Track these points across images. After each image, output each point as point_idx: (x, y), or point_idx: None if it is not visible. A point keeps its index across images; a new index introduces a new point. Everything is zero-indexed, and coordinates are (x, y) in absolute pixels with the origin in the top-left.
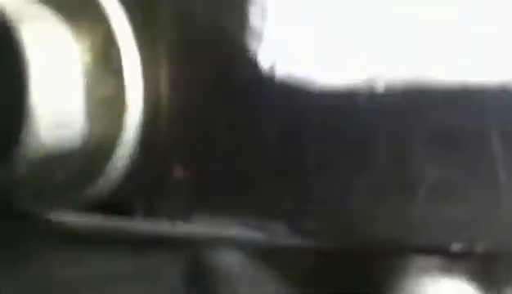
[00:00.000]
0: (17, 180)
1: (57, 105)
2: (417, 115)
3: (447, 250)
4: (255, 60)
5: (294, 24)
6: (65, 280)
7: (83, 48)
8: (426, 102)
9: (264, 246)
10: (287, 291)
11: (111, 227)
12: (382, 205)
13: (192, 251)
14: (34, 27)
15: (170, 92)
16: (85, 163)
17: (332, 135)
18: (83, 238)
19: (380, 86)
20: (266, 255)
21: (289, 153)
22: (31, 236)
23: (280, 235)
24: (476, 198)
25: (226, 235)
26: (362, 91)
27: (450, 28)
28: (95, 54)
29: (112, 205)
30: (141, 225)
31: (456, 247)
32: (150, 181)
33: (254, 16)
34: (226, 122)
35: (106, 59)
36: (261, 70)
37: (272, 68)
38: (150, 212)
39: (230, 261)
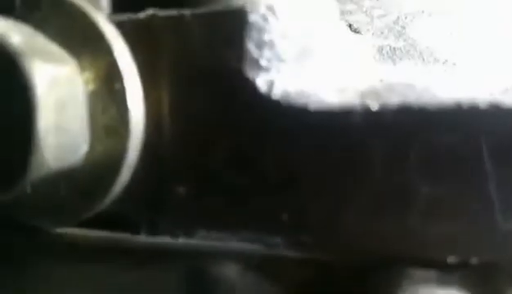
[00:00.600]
0: (23, 198)
1: (63, 131)
2: (410, 134)
3: (444, 262)
4: (252, 85)
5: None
6: (66, 292)
7: (88, 78)
8: (419, 121)
9: (262, 258)
10: None
11: (114, 242)
12: (378, 220)
13: (193, 264)
14: (41, 58)
15: (171, 117)
16: (88, 183)
17: (328, 153)
18: (87, 253)
19: (374, 105)
20: (264, 267)
21: (287, 169)
22: (35, 251)
23: (278, 248)
24: (470, 213)
25: (226, 248)
26: (357, 109)
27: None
28: (99, 84)
29: (116, 221)
30: (143, 240)
31: (452, 259)
32: (152, 198)
33: (251, 44)
34: (225, 143)
35: (110, 88)
36: (258, 94)
37: (269, 91)
38: (153, 227)
39: (229, 273)
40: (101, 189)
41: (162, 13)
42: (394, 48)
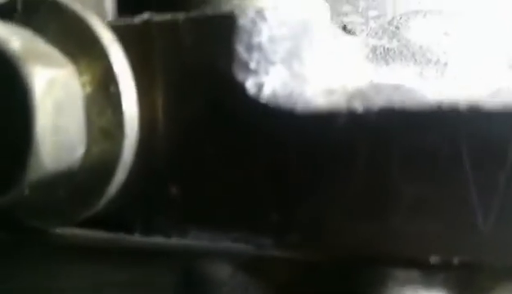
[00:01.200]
0: (21, 199)
1: (60, 133)
2: (394, 135)
3: (426, 262)
4: (241, 88)
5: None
6: (65, 290)
7: (85, 81)
8: (401, 122)
9: (252, 257)
10: None
11: (110, 241)
12: (362, 220)
13: (185, 263)
14: (39, 62)
15: (164, 119)
16: (85, 184)
17: (315, 154)
18: (83, 252)
19: (359, 107)
20: (253, 266)
21: (275, 170)
22: (34, 250)
23: (266, 248)
24: (451, 214)
25: (217, 248)
26: (342, 111)
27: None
28: (95, 87)
29: (112, 221)
30: (137, 239)
31: (434, 259)
32: (146, 199)
33: (240, 48)
34: (216, 145)
35: (106, 91)
36: (247, 96)
37: (258, 94)
38: (147, 227)
39: (220, 272)
40: (98, 189)
41: (156, 17)
42: (388, 49)
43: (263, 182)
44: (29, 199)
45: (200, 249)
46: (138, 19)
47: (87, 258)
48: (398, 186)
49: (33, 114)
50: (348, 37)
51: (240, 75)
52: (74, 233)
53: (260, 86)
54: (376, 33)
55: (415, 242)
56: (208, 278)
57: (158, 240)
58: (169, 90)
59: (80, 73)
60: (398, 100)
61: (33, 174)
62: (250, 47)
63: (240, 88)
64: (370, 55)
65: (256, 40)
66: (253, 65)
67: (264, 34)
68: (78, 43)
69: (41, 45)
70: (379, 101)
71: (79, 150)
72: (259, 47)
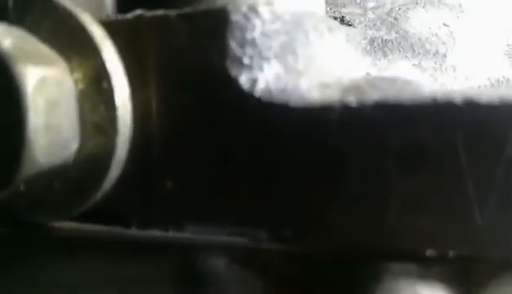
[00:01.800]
0: (16, 194)
1: (53, 130)
2: (388, 129)
3: (422, 256)
4: (235, 83)
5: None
6: (63, 284)
7: (77, 78)
8: (395, 116)
9: (248, 250)
10: (269, 291)
11: (107, 235)
12: (357, 213)
13: (182, 256)
14: (31, 60)
15: (158, 114)
16: (80, 179)
17: (309, 148)
18: (80, 246)
19: (353, 101)
20: (249, 260)
21: (270, 164)
22: (32, 244)
23: (262, 241)
24: (447, 207)
25: (213, 242)
26: (336, 105)
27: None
28: (88, 83)
29: (109, 215)
30: (135, 233)
31: (430, 252)
32: (142, 193)
33: (233, 43)
34: (210, 139)
35: (98, 88)
36: (241, 91)
37: (252, 89)
38: (143, 221)
39: (217, 265)
40: (92, 184)
41: (148, 14)
42: (386, 40)
43: (257, 176)
44: (24, 194)
45: (197, 242)
46: (130, 15)
47: (84, 252)
48: (393, 179)
49: (26, 112)
50: (346, 29)
51: (233, 70)
52: (70, 227)
53: (254, 81)
54: (374, 24)
55: (411, 235)
56: (205, 271)
57: (154, 234)
58: (162, 85)
59: (72, 71)
60: (393, 94)
61: (28, 170)
62: (244, 43)
63: (234, 83)
64: (368, 47)
65: (249, 35)
66: (246, 61)
67: (257, 29)
68: (70, 41)
69: (33, 43)
70: (373, 95)
71: (73, 146)
72: (253, 43)
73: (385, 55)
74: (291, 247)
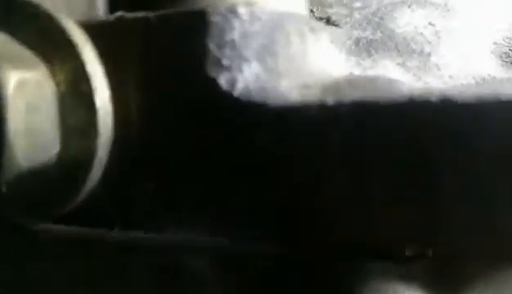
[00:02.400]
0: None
1: (33, 132)
2: (366, 128)
3: (401, 254)
4: (214, 83)
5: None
6: (47, 283)
7: (58, 81)
8: (374, 115)
9: (229, 251)
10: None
11: (89, 237)
12: (339, 212)
13: (163, 257)
14: (11, 63)
15: (138, 115)
16: (61, 181)
17: (288, 148)
18: (63, 247)
19: (330, 100)
20: (230, 259)
21: (250, 165)
22: (16, 247)
23: (243, 241)
24: (426, 205)
25: (194, 242)
26: (314, 105)
27: None
28: (68, 86)
29: (92, 216)
30: (116, 235)
31: (410, 251)
32: (123, 194)
33: (212, 44)
34: (190, 140)
35: (78, 90)
36: (220, 92)
37: (231, 89)
38: (125, 223)
39: (198, 265)
40: (73, 187)
41: (129, 15)
42: (371, 40)
43: (238, 176)
44: (6, 197)
45: (177, 243)
46: (112, 17)
47: (65, 253)
48: (373, 177)
49: (5, 116)
50: (331, 30)
51: (212, 71)
52: (51, 228)
53: (233, 82)
54: (360, 25)
55: (391, 233)
56: (186, 272)
57: (136, 235)
58: (142, 87)
59: (53, 74)
60: (371, 93)
61: (9, 172)
62: (223, 44)
63: (213, 84)
64: (353, 47)
65: (228, 37)
66: (225, 62)
67: (237, 31)
68: (50, 44)
69: (13, 46)
70: (352, 94)
71: (54, 149)
72: (232, 44)
73: (370, 54)
74: (274, 248)
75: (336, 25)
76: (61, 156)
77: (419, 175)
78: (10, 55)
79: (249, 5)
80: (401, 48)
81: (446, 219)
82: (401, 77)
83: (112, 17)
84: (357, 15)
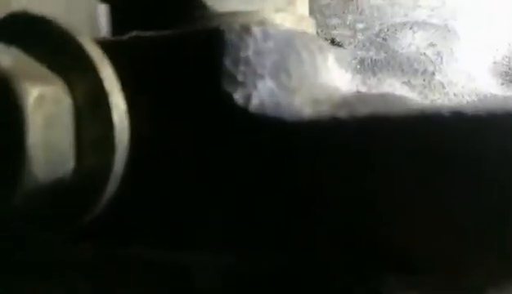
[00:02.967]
0: (15, 210)
1: (51, 148)
2: (379, 142)
3: (414, 267)
4: (230, 100)
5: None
6: None
7: (75, 96)
8: (384, 130)
9: (241, 269)
10: None
11: (100, 253)
12: (353, 225)
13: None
14: (30, 79)
15: (153, 132)
16: (76, 197)
17: (302, 163)
18: (71, 263)
19: (344, 115)
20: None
21: (266, 181)
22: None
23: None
24: (438, 217)
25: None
26: (327, 120)
27: None
28: (85, 101)
29: (105, 233)
30: (127, 252)
31: (421, 264)
32: (138, 211)
33: (228, 61)
34: (206, 157)
35: (96, 106)
36: (235, 108)
37: (246, 105)
38: (139, 239)
39: (209, 283)
40: (89, 201)
41: (144, 34)
42: (375, 60)
43: (254, 192)
44: (22, 211)
45: (189, 261)
46: (126, 36)
47: (74, 270)
48: (384, 192)
49: (25, 130)
50: (336, 50)
51: (228, 87)
52: (66, 245)
53: (248, 98)
54: (364, 45)
55: (403, 246)
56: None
57: (155, 252)
58: (158, 104)
59: (70, 89)
60: (383, 108)
61: (27, 187)
62: (237, 61)
63: (228, 100)
64: (358, 67)
65: (243, 54)
66: (240, 78)
67: (251, 48)
68: (67, 60)
69: (31, 62)
70: (364, 110)
71: (70, 164)
72: (246, 61)
73: (375, 73)
74: (283, 262)
75: (340, 46)
76: (77, 171)
77: (431, 187)
78: (27, 70)
79: (261, 24)
80: (406, 67)
81: (459, 230)
82: (407, 95)
83: (127, 36)
84: (360, 37)
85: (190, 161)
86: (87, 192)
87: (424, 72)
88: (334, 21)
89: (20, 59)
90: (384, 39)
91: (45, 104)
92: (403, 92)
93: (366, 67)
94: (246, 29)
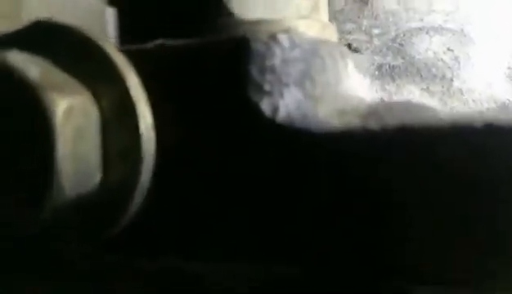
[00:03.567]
0: (42, 223)
1: (80, 159)
2: (411, 153)
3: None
4: (257, 109)
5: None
6: None
7: (102, 107)
8: (417, 141)
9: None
10: None
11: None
12: (379, 236)
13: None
14: (58, 90)
15: (179, 142)
16: (103, 208)
17: (332, 174)
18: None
19: (375, 126)
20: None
21: (294, 192)
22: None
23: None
24: (470, 230)
25: (227, 270)
26: (358, 131)
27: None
28: (112, 112)
29: (131, 244)
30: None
31: (449, 275)
32: (165, 221)
33: (254, 70)
34: (233, 167)
35: (123, 116)
36: (262, 118)
37: (273, 115)
38: (166, 249)
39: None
40: (116, 212)
41: (169, 42)
42: (393, 66)
43: (281, 203)
44: (49, 223)
45: (213, 272)
46: (151, 44)
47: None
48: (417, 204)
49: (54, 142)
50: (353, 56)
51: (254, 97)
52: (93, 256)
53: (275, 108)
54: (381, 51)
55: (436, 259)
56: None
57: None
58: (184, 113)
59: (97, 99)
60: (413, 119)
61: (53, 200)
62: (264, 70)
63: (255, 110)
64: (377, 73)
65: (269, 62)
66: (267, 87)
67: (277, 57)
68: (93, 69)
69: (58, 72)
70: (392, 120)
71: (98, 175)
72: (273, 70)
73: (393, 80)
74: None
75: (357, 51)
76: (104, 182)
77: (465, 201)
78: (55, 81)
79: (287, 32)
80: (424, 73)
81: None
82: (428, 102)
83: (152, 44)
84: (376, 42)
85: (215, 170)
86: (114, 203)
87: (443, 78)
88: (349, 26)
89: (46, 69)
90: (401, 44)
91: (74, 115)
92: (424, 99)
93: (384, 73)
94: (273, 38)
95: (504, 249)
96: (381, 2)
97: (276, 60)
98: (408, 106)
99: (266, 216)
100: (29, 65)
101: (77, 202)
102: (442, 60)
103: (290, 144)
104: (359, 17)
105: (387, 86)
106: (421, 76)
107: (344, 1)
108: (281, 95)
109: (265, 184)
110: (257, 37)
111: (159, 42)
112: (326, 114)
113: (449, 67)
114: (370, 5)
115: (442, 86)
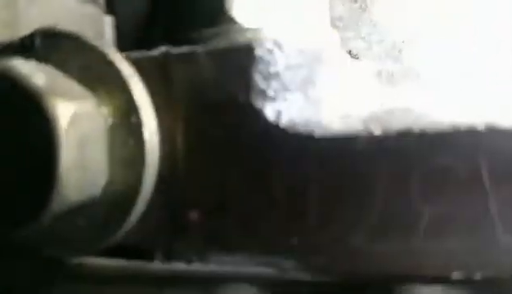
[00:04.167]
0: (42, 229)
1: (84, 166)
2: (412, 156)
3: (448, 279)
4: (261, 114)
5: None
6: None
7: (107, 114)
8: (420, 144)
9: (274, 281)
10: None
11: (132, 269)
12: (384, 240)
13: (208, 288)
14: (63, 97)
15: (184, 146)
16: (106, 215)
17: (335, 177)
18: (105, 280)
19: (377, 130)
20: (277, 290)
21: (296, 195)
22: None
23: (289, 271)
24: (471, 230)
25: (239, 272)
26: (361, 135)
27: None
28: (117, 118)
29: (132, 248)
30: (159, 266)
31: (456, 275)
32: (167, 225)
33: (258, 76)
34: (237, 171)
35: (127, 122)
36: (266, 123)
37: (277, 120)
38: (168, 254)
39: None
40: (119, 219)
41: (175, 50)
42: (392, 72)
43: (285, 206)
44: (50, 230)
45: (223, 274)
46: (157, 51)
47: (110, 288)
48: (419, 206)
49: (58, 149)
50: (355, 62)
51: (258, 102)
52: (94, 262)
53: (279, 113)
54: (380, 57)
55: (437, 259)
56: None
57: (179, 266)
58: (188, 119)
59: (102, 106)
60: (413, 123)
61: (57, 207)
62: (268, 76)
63: (259, 115)
64: (377, 78)
65: (273, 69)
66: (271, 93)
67: (281, 63)
68: (98, 76)
69: (63, 79)
70: (394, 124)
71: (102, 181)
72: (276, 76)
73: (393, 85)
74: (319, 277)
75: (357, 58)
76: (107, 189)
77: (469, 201)
78: (60, 88)
79: (290, 39)
80: (422, 80)
81: (493, 244)
82: (430, 107)
83: (157, 52)
84: (376, 49)
85: (222, 176)
86: (117, 209)
87: (442, 83)
88: (349, 34)
89: (51, 76)
90: (400, 51)
91: (79, 122)
92: (424, 104)
93: (384, 79)
94: (277, 44)
95: None
96: (380, 10)
97: (280, 67)
98: (409, 111)
99: (270, 215)
100: (34, 73)
101: (80, 209)
102: (440, 66)
103: (294, 147)
104: (358, 24)
105: (387, 92)
106: (420, 81)
107: (344, 8)
108: (285, 100)
109: (270, 185)
110: (261, 44)
111: (163, 49)
112: (328, 118)
113: (447, 73)
114: (369, 12)
115: (440, 92)
